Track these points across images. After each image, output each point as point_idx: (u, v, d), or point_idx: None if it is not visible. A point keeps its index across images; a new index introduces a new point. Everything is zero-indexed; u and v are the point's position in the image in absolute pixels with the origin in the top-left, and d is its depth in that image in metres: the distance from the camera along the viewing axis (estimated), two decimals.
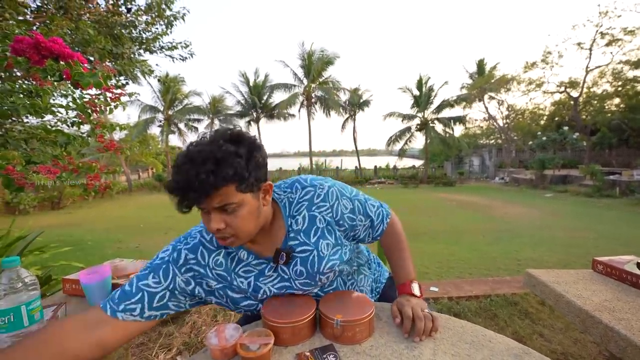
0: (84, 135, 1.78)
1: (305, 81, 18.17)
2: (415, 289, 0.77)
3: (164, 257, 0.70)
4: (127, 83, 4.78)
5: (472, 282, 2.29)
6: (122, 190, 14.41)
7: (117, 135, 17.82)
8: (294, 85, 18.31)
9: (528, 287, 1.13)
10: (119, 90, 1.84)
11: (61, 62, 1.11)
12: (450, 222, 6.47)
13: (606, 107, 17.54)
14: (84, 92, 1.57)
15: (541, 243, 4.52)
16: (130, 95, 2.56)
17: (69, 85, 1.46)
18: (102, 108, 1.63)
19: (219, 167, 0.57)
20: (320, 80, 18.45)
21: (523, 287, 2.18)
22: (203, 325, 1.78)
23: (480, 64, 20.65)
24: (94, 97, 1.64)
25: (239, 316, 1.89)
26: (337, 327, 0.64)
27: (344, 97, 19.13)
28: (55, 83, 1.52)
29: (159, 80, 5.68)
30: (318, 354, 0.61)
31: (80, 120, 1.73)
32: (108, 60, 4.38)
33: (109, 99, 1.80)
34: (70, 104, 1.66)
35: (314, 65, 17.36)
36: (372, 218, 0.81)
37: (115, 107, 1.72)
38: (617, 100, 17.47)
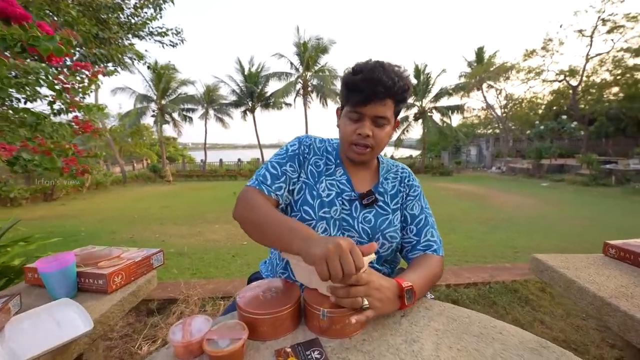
0: (56, 114, 1.65)
1: (300, 69, 17.81)
2: (408, 295, 0.62)
3: (295, 149, 0.83)
4: (115, 70, 4.58)
5: (471, 269, 2.23)
6: (117, 181, 14.18)
7: (108, 125, 17.52)
8: (290, 74, 17.97)
9: (535, 273, 1.05)
10: (97, 69, 1.70)
11: (13, 25, 0.98)
12: (447, 211, 6.42)
13: (605, 96, 17.45)
14: (53, 66, 1.43)
15: (537, 231, 4.50)
16: (109, 73, 2.40)
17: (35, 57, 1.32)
18: (75, 86, 1.49)
19: (401, 82, 0.72)
20: (316, 68, 18.09)
21: (529, 273, 2.14)
22: (190, 315, 1.69)
23: (480, 52, 20.36)
24: (65, 72, 1.51)
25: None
26: (324, 318, 0.55)
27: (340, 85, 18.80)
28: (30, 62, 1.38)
29: (148, 67, 5.45)
30: (300, 349, 0.52)
31: (52, 100, 1.60)
32: (94, 46, 4.17)
33: (85, 79, 1.67)
34: (42, 81, 1.52)
35: (310, 53, 16.99)
36: (420, 240, 0.81)
37: (90, 85, 1.58)
38: (615, 89, 17.38)
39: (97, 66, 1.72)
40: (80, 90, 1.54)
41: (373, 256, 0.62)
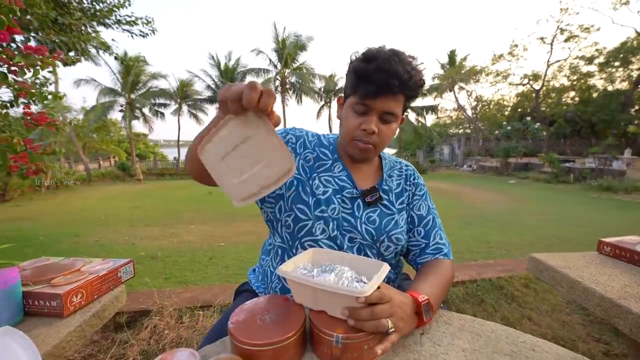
0: (5, 105, 1.42)
1: (279, 66, 17.50)
2: (426, 310, 0.54)
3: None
4: (78, 60, 4.17)
5: (457, 268, 2.24)
6: (80, 180, 13.12)
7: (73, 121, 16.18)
8: (268, 70, 17.60)
9: (534, 273, 1.03)
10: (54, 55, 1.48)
11: None
12: None
13: (563, 99, 18.82)
14: None
15: (508, 227, 4.70)
16: (69, 61, 2.15)
17: None
18: (23, 68, 1.28)
19: (416, 76, 0.65)
20: (295, 65, 17.87)
21: (513, 270, 2.19)
22: (165, 329, 1.53)
23: (452, 55, 21.15)
24: (10, 51, 1.29)
25: (209, 318, 1.67)
26: (338, 345, 0.46)
27: (319, 83, 18.74)
28: None
29: (116, 59, 5.04)
30: None
31: None
32: (53, 32, 3.76)
33: (38, 63, 1.45)
34: None
35: (288, 50, 16.74)
36: (429, 243, 0.74)
37: (43, 68, 1.37)
38: (572, 94, 18.80)
39: (54, 54, 1.50)
40: (31, 73, 1.33)
41: (387, 267, 0.54)
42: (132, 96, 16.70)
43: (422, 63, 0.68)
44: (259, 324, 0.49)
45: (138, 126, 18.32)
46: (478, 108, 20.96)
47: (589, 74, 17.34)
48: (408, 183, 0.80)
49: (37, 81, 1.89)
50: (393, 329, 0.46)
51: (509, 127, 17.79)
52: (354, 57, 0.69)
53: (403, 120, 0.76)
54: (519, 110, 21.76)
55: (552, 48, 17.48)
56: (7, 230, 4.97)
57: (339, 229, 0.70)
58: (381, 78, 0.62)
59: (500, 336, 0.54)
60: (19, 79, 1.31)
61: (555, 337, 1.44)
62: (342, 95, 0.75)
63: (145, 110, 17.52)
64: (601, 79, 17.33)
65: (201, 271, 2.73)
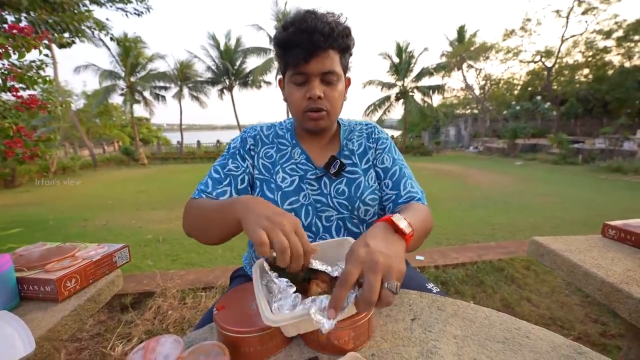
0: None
1: None
2: (401, 222, 0.48)
3: (236, 145, 0.75)
4: (73, 42, 4.07)
5: (458, 250, 2.24)
6: (86, 165, 13.26)
7: (75, 105, 16.11)
8: (269, 50, 17.09)
9: (535, 257, 1.01)
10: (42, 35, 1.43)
11: None
12: (427, 190, 6.41)
13: (576, 77, 18.10)
14: None
15: (513, 208, 4.67)
16: (62, 42, 2.08)
17: None
18: (8, 49, 1.23)
19: (339, 27, 0.63)
20: None
21: (515, 252, 2.18)
22: (169, 309, 1.57)
23: (461, 31, 20.26)
24: None
25: (211, 299, 1.70)
26: (324, 332, 0.45)
27: None
28: None
29: (111, 39, 4.90)
30: None
31: None
32: (46, 13, 3.65)
33: (23, 44, 1.40)
34: None
35: None
36: (399, 192, 0.71)
37: (29, 49, 1.32)
38: (586, 71, 18.04)
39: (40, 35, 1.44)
40: (17, 56, 1.28)
41: (349, 241, 0.53)
42: (132, 79, 16.47)
43: (342, 14, 0.66)
44: (244, 311, 0.48)
45: (140, 110, 18.17)
46: (486, 87, 20.33)
47: (606, 50, 16.54)
48: (371, 140, 0.78)
49: (33, 65, 1.85)
50: (397, 284, 0.39)
51: (517, 107, 17.25)
52: (276, 31, 0.66)
53: (349, 82, 0.75)
54: (529, 89, 21.05)
55: (567, 22, 16.65)
56: (17, 215, 5.10)
57: (314, 212, 0.70)
58: (305, 38, 0.60)
59: (494, 322, 0.52)
60: (5, 62, 1.27)
61: (553, 317, 1.44)
62: (281, 77, 0.72)
63: (146, 94, 17.31)
64: (618, 54, 16.55)
65: (207, 253, 2.78)
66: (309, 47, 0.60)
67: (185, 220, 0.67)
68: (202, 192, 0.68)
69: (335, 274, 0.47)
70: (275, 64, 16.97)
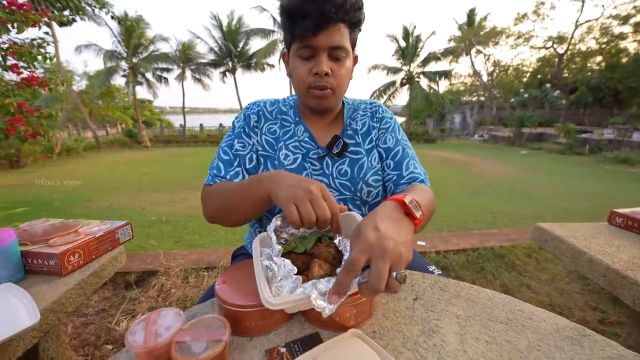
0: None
1: None
2: (413, 204, 0.46)
3: (240, 124, 0.73)
4: (73, 20, 3.97)
5: (460, 236, 2.24)
6: (89, 147, 13.28)
7: (77, 86, 15.96)
8: (273, 31, 16.64)
9: (538, 243, 1.00)
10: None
11: None
12: (431, 178, 6.46)
13: (588, 65, 17.54)
14: None
15: (516, 197, 4.64)
16: (62, 21, 2.02)
17: None
18: (6, 24, 1.20)
19: (350, 0, 0.58)
20: None
21: (517, 239, 2.18)
22: (172, 287, 1.60)
23: (471, 14, 19.52)
24: None
25: (213, 279, 1.73)
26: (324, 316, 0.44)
27: None
28: None
29: (112, 17, 4.77)
30: (298, 349, 0.42)
31: None
32: None
33: (21, 19, 1.36)
34: None
35: None
36: (401, 173, 0.69)
37: (27, 25, 1.28)
38: (599, 59, 17.45)
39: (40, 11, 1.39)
40: (15, 31, 1.25)
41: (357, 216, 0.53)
42: (135, 60, 16.21)
43: None
44: (246, 286, 0.48)
45: (142, 92, 17.99)
46: (495, 74, 19.80)
47: (621, 36, 15.92)
48: (375, 119, 0.75)
49: (35, 43, 1.81)
50: (405, 273, 0.37)
51: (525, 95, 16.83)
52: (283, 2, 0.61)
53: (357, 59, 0.71)
54: (539, 76, 20.48)
55: (583, 6, 15.95)
56: (23, 195, 5.17)
57: None
58: (314, 8, 0.55)
59: (497, 304, 0.52)
60: (4, 37, 1.24)
61: (552, 304, 1.45)
62: (285, 51, 0.69)
63: (149, 76, 17.08)
64: (634, 41, 15.93)
65: (210, 235, 2.81)
66: (318, 19, 0.56)
67: (207, 206, 0.65)
68: (216, 177, 0.67)
69: (340, 248, 0.47)
70: (279, 47, 16.59)
